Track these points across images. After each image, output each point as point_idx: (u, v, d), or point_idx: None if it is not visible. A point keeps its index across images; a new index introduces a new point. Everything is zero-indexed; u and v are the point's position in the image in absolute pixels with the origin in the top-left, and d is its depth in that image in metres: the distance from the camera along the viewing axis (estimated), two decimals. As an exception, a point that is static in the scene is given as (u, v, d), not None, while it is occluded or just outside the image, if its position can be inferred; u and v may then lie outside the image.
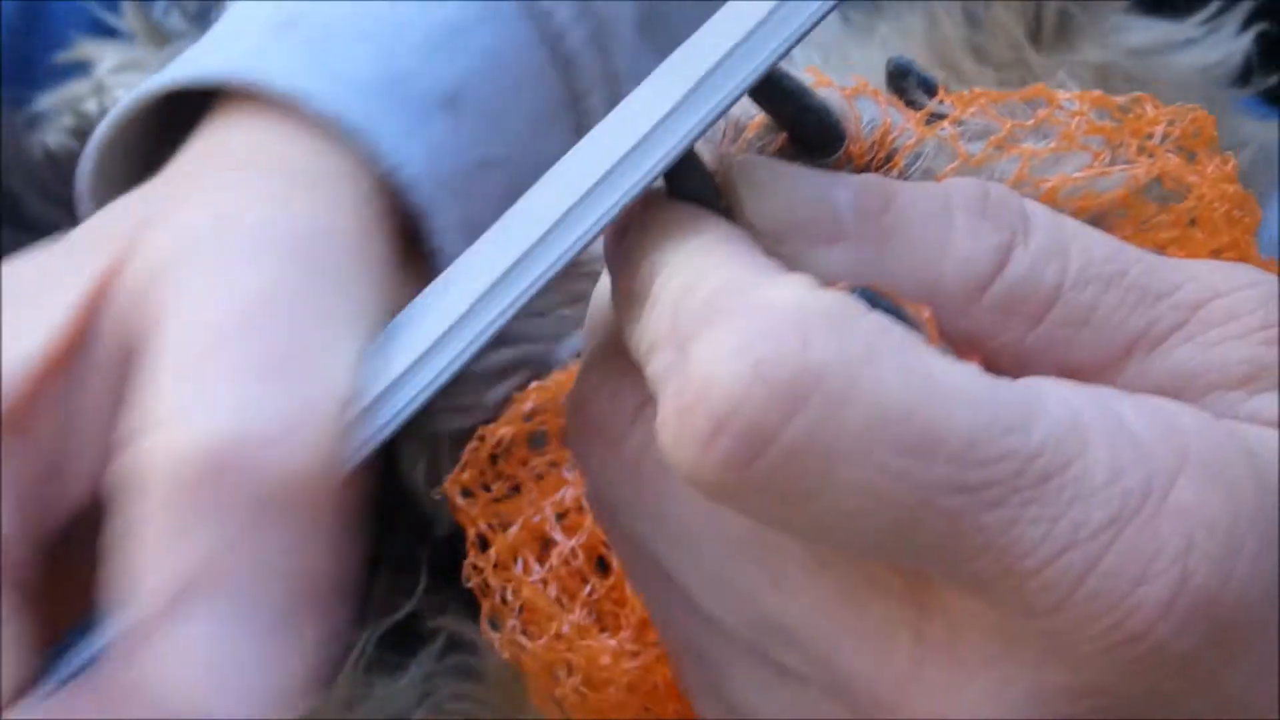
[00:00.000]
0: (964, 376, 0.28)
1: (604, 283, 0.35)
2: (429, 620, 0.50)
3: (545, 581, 0.40)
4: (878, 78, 0.54)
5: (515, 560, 0.40)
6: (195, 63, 0.49)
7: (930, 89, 0.35)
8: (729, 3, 0.32)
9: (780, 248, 0.31)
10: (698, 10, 0.59)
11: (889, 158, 0.34)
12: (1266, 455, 0.30)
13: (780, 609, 0.31)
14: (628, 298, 0.32)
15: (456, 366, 0.33)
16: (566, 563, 0.40)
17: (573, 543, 0.40)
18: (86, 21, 0.77)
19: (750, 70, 0.31)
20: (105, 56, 0.77)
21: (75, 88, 0.75)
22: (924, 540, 0.28)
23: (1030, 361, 0.32)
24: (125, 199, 0.44)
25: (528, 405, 0.41)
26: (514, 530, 0.40)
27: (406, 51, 0.50)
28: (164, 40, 0.75)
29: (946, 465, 0.28)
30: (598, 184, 0.32)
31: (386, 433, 0.33)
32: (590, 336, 0.35)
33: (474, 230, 0.49)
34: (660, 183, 0.32)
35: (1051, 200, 0.35)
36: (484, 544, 0.41)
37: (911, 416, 0.27)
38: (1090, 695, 0.29)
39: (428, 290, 0.35)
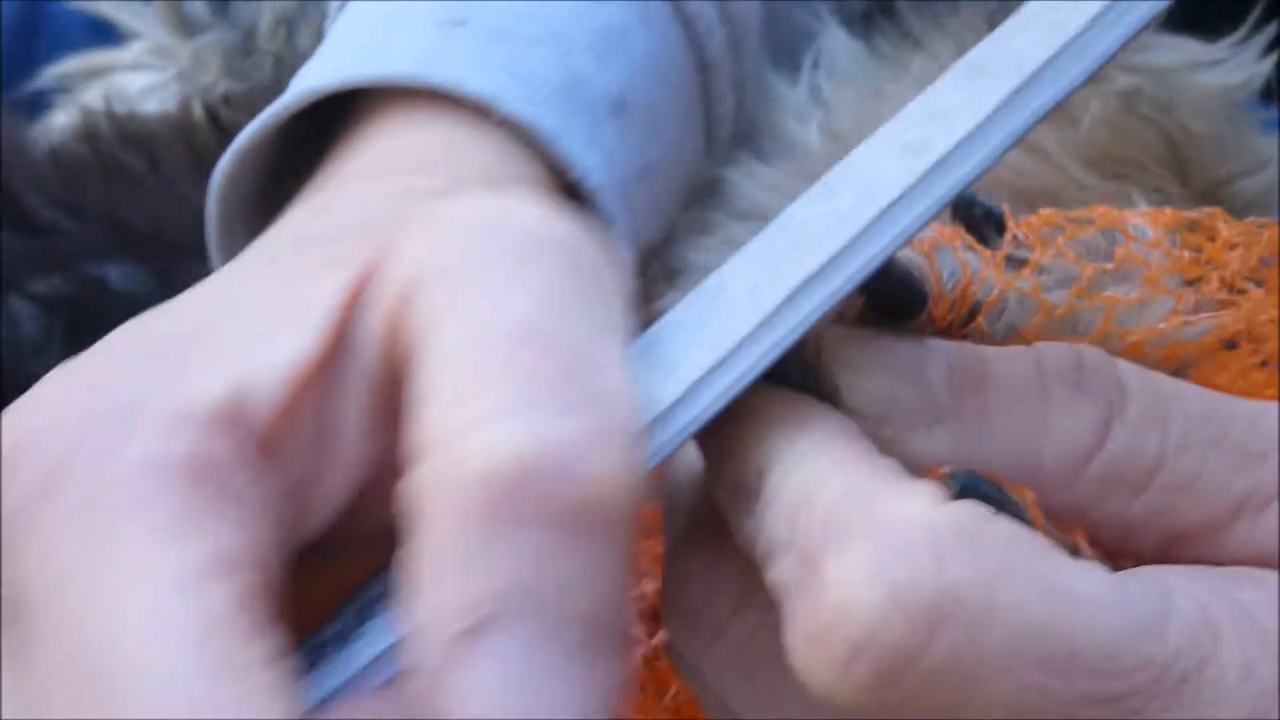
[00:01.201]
0: (1095, 583, 0.28)
1: (686, 460, 0.34)
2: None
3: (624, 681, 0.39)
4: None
5: None
6: (355, 63, 0.47)
7: (998, 222, 0.35)
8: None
9: (881, 430, 0.31)
10: (804, 12, 0.59)
11: (971, 315, 0.33)
12: None
13: None
14: (733, 488, 0.31)
15: (723, 400, 0.31)
16: (649, 662, 0.40)
17: (655, 641, 0.40)
18: (86, 21, 0.77)
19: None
20: (133, 44, 0.76)
21: (83, 89, 0.74)
22: None
23: (1135, 530, 0.31)
24: (323, 200, 0.42)
25: None
26: None
27: (580, 54, 0.49)
28: (191, 32, 0.74)
29: (1087, 679, 0.28)
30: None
31: (670, 449, 0.32)
32: (673, 513, 0.34)
33: (634, 240, 0.49)
34: None
35: (1138, 353, 0.35)
36: None
37: (1051, 633, 0.27)
38: None
39: (672, 314, 0.33)
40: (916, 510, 0.28)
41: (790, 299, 0.31)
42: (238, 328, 0.33)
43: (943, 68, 0.58)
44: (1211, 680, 0.28)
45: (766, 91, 0.60)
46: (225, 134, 0.66)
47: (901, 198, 0.31)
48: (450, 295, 0.32)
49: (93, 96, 0.72)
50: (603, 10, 0.50)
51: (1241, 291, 0.36)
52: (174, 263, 0.63)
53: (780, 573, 0.29)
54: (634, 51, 0.51)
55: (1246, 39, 0.62)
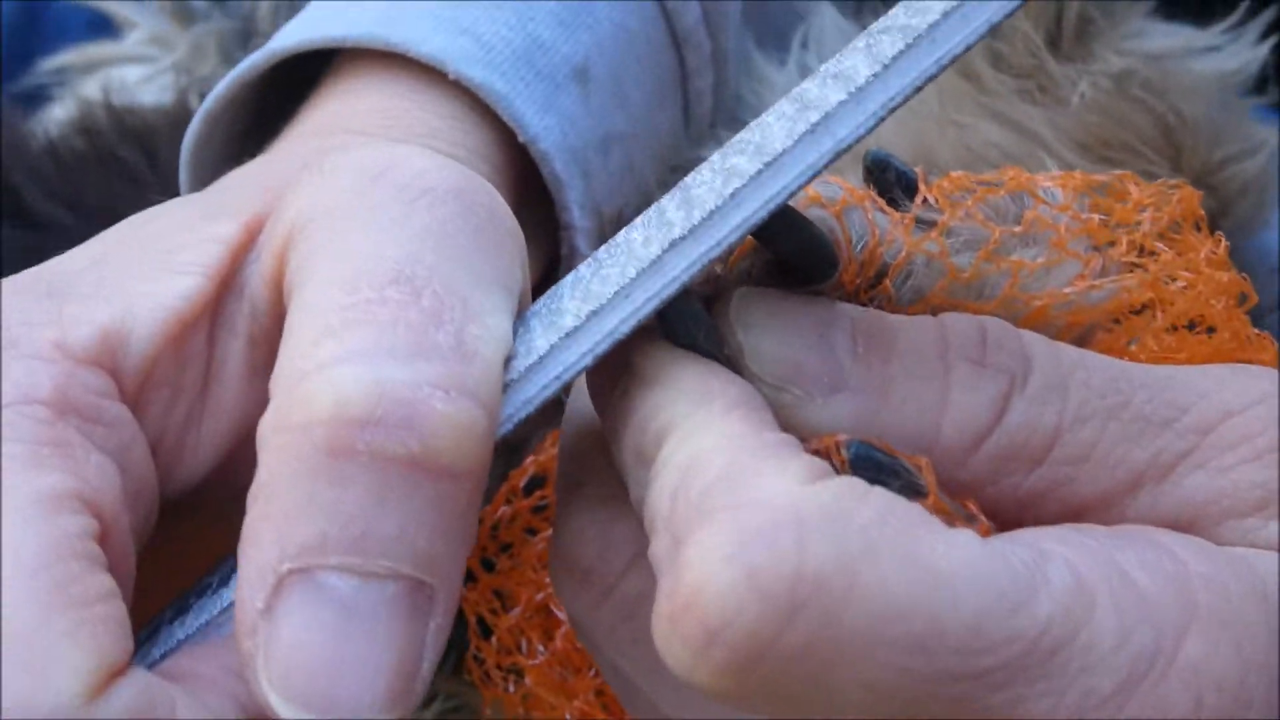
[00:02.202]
0: (966, 555, 0.28)
1: (576, 413, 0.35)
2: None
3: (549, 663, 0.40)
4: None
5: (519, 644, 0.40)
6: (320, 24, 0.48)
7: (910, 185, 0.35)
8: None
9: (780, 395, 0.32)
10: (810, 6, 0.59)
11: (878, 278, 0.34)
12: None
13: None
14: (633, 453, 0.32)
15: (614, 337, 0.32)
16: (570, 639, 0.40)
17: None
18: (85, 19, 0.78)
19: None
20: (131, 34, 0.77)
21: (81, 82, 0.75)
22: None
23: (1032, 504, 0.31)
24: (260, 159, 0.43)
25: (524, 480, 0.41)
26: (516, 612, 0.40)
27: (542, 19, 0.50)
28: (190, 20, 0.76)
29: (951, 657, 0.27)
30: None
31: (531, 408, 0.32)
32: (567, 471, 0.35)
33: (594, 207, 0.50)
34: (653, 322, 0.32)
35: (1043, 318, 0.35)
36: (484, 629, 0.40)
37: (913, 613, 0.27)
38: None
39: (576, 269, 0.34)
40: (784, 489, 0.28)
41: (673, 246, 0.31)
42: (127, 267, 0.34)
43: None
44: (1083, 648, 0.28)
45: (753, 72, 0.61)
46: None
47: (785, 153, 0.31)
48: (329, 236, 0.33)
49: (90, 89, 0.73)
50: None
51: (1151, 254, 0.36)
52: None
53: (655, 548, 0.30)
54: (600, 21, 0.51)
55: (1241, 24, 0.62)
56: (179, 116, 0.67)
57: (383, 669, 0.30)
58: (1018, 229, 0.35)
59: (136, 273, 0.34)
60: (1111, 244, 0.36)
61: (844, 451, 0.30)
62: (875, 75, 0.31)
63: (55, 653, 0.29)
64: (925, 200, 0.35)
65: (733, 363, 0.32)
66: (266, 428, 0.31)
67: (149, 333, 0.33)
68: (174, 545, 0.35)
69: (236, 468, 0.34)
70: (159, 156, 0.65)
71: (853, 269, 0.34)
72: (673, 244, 0.31)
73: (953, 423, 0.31)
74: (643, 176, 0.55)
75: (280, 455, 0.30)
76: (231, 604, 0.32)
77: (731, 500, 0.28)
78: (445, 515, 0.30)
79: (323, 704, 0.30)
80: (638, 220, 0.33)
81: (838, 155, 0.31)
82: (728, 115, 0.60)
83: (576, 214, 0.49)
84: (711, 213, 0.31)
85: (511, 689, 0.40)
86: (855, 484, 0.29)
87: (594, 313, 0.32)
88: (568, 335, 0.32)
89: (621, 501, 0.33)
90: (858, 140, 0.31)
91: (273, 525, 0.30)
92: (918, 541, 0.28)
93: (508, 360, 0.32)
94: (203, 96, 0.68)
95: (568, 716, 0.39)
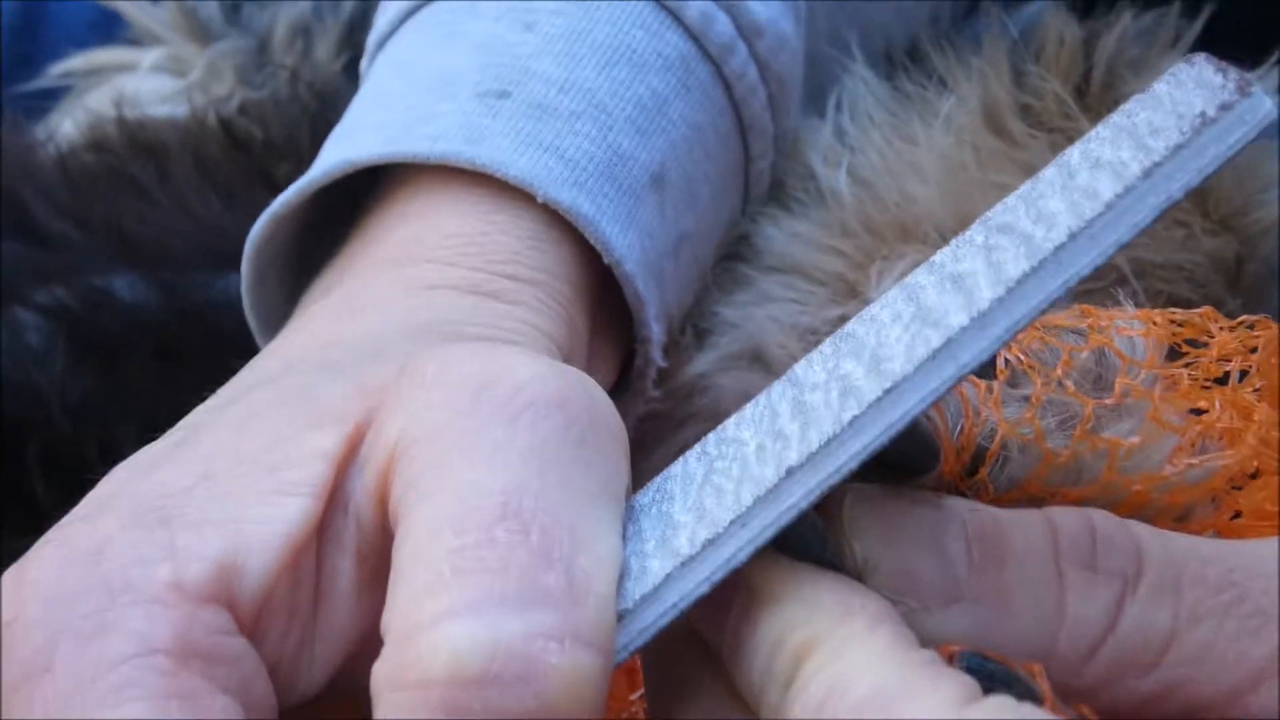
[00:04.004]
0: None
1: (674, 632, 0.34)
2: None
3: None
4: (939, 160, 0.54)
5: None
6: (397, 136, 0.47)
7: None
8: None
9: (897, 606, 0.32)
10: (843, 67, 0.58)
11: (974, 467, 0.34)
12: None
13: None
14: (759, 673, 0.32)
15: (719, 575, 0.32)
16: None
17: None
18: (87, 21, 0.77)
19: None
20: (144, 56, 0.76)
21: (93, 95, 0.74)
22: None
23: (1151, 704, 0.32)
24: (321, 322, 0.43)
25: None
26: None
27: (621, 128, 0.49)
28: (205, 38, 0.74)
29: None
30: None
31: (647, 637, 0.32)
32: (663, 690, 0.35)
33: (666, 315, 0.50)
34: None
35: (1143, 500, 0.35)
36: None
37: None
38: None
39: (679, 464, 0.34)
40: (939, 712, 0.28)
41: (790, 475, 0.31)
42: (236, 487, 0.34)
43: (969, 111, 0.58)
44: None
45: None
46: (237, 145, 0.66)
47: (906, 378, 0.31)
48: (434, 461, 0.33)
49: (100, 100, 0.72)
50: (643, 80, 0.50)
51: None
52: (179, 275, 0.63)
53: None
54: (673, 122, 0.51)
55: (1267, 74, 0.62)
56: (192, 133, 0.67)
57: None
58: (1109, 400, 0.34)
59: (246, 495, 0.34)
60: (1205, 406, 0.35)
61: (958, 663, 0.30)
62: (999, 299, 0.30)
63: None
64: (1007, 362, 0.34)
65: (852, 574, 0.32)
66: (381, 681, 0.31)
67: (264, 561, 0.33)
68: None
69: (350, 676, 0.34)
70: (170, 173, 0.64)
71: (951, 458, 0.34)
72: (789, 471, 0.31)
73: (1068, 634, 0.32)
74: (705, 268, 0.55)
75: (398, 711, 0.31)
76: None
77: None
78: None
79: None
80: (746, 412, 0.33)
81: (960, 380, 0.31)
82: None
83: (654, 329, 0.48)
84: (829, 440, 0.31)
85: None
86: (1006, 704, 0.29)
87: (710, 540, 0.32)
88: (684, 564, 0.32)
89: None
90: (979, 365, 0.30)
91: None
92: None
93: (620, 578, 0.32)
94: (219, 116, 0.67)
95: None
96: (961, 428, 0.33)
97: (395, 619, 0.31)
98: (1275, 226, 0.62)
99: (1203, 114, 0.31)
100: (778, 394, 0.33)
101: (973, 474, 0.34)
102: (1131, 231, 0.30)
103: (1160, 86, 0.32)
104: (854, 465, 0.31)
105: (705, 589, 0.32)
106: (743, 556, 0.31)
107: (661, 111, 0.50)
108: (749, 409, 0.33)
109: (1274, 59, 0.61)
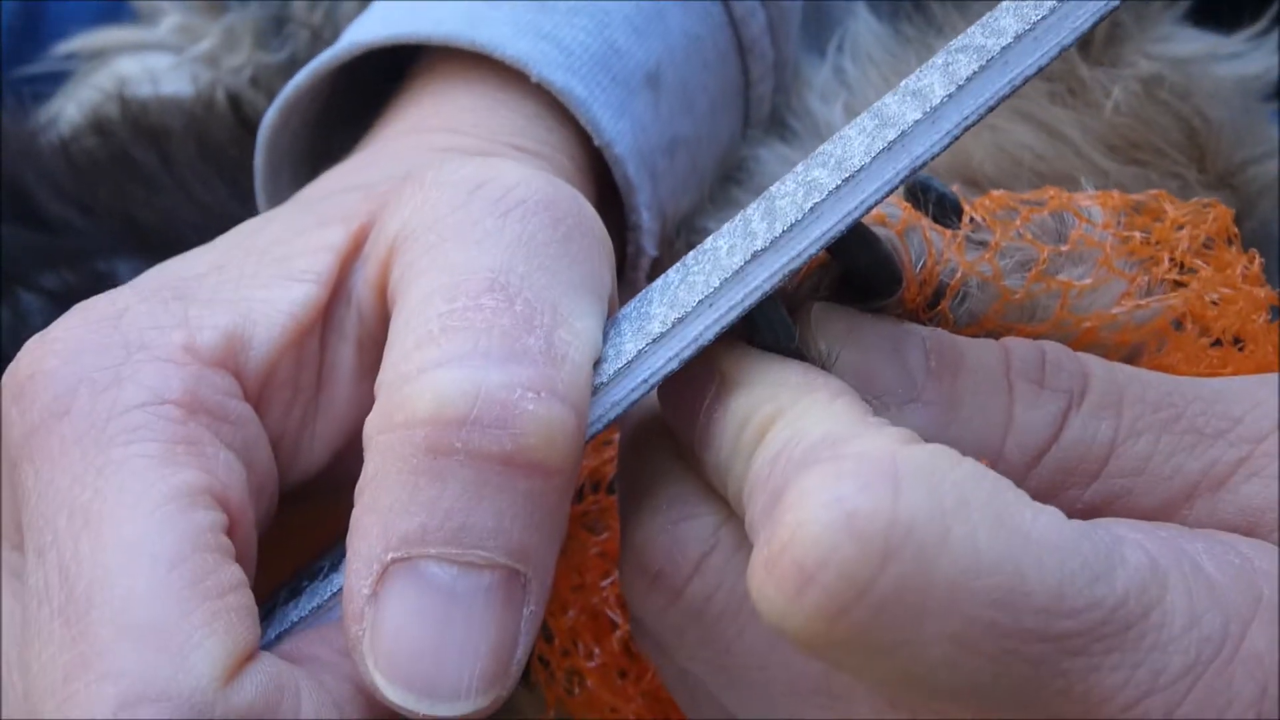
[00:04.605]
0: (1051, 523, 0.30)
1: (635, 421, 0.36)
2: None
3: (605, 666, 0.41)
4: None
5: (575, 644, 0.42)
6: (403, 21, 0.50)
7: (952, 206, 0.37)
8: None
9: None
10: (847, 10, 0.61)
11: (936, 300, 0.36)
12: None
13: None
14: (727, 449, 0.33)
15: (702, 341, 0.34)
16: (628, 648, 0.42)
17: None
18: (87, 21, 0.78)
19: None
20: (163, 20, 0.77)
21: (95, 78, 0.75)
22: (1005, 685, 0.29)
23: (1092, 515, 0.33)
24: (362, 156, 0.46)
25: (580, 486, 0.42)
26: (572, 615, 0.41)
27: (618, 26, 0.52)
28: (221, 11, 0.76)
29: (1034, 616, 0.29)
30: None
31: (620, 409, 0.34)
32: (633, 478, 0.36)
33: (659, 209, 0.52)
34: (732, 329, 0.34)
35: (1093, 338, 0.37)
36: (545, 633, 0.42)
37: (1001, 569, 0.29)
38: None
39: (661, 276, 0.36)
40: (883, 444, 0.30)
41: (755, 257, 0.33)
42: (247, 272, 0.37)
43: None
44: (1156, 625, 0.29)
45: (795, 71, 0.63)
46: (245, 125, 0.68)
47: (863, 168, 0.33)
48: (429, 249, 0.35)
49: (104, 82, 0.73)
50: None
51: (1191, 270, 0.38)
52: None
53: (752, 512, 0.31)
54: (671, 28, 0.53)
55: (1265, 33, 0.64)
56: (196, 115, 0.68)
57: (481, 653, 0.32)
58: (1065, 248, 0.37)
59: (255, 278, 0.37)
60: (1153, 261, 0.38)
61: None
62: (950, 95, 0.33)
63: (194, 641, 0.32)
64: (973, 220, 0.37)
65: (816, 365, 0.34)
66: (371, 427, 0.33)
67: (269, 336, 0.36)
68: (289, 530, 0.37)
69: (347, 461, 0.37)
70: (172, 157, 0.65)
71: (914, 288, 0.35)
72: (754, 255, 0.33)
73: (1015, 438, 0.33)
74: (704, 178, 0.57)
75: (384, 453, 0.33)
76: (341, 589, 0.34)
77: (832, 454, 0.30)
78: (538, 509, 0.33)
79: (424, 686, 0.32)
80: (724, 228, 0.35)
81: (913, 172, 0.33)
82: (772, 117, 0.63)
83: (645, 215, 0.51)
84: (792, 225, 0.33)
85: (576, 691, 0.41)
86: (950, 450, 0.30)
87: (680, 319, 0.34)
88: (655, 340, 0.34)
89: (690, 504, 0.34)
90: (932, 158, 0.33)
91: (378, 519, 0.33)
92: (1008, 504, 0.29)
93: (597, 363, 0.34)
94: (229, 91, 0.69)
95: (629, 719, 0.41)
96: (925, 263, 0.35)
97: (386, 373, 0.34)
98: (1274, 186, 0.64)
99: None
100: (752, 207, 0.35)
101: (934, 307, 0.36)
102: (1073, 34, 0.32)
103: None
104: (813, 250, 0.33)
105: (675, 365, 0.34)
106: (710, 335, 0.34)
107: (660, 17, 0.53)
108: (725, 225, 0.35)
109: (1269, 17, 0.63)
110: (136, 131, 0.67)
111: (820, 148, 0.34)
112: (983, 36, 0.33)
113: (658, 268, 0.53)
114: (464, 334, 0.33)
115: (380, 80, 0.52)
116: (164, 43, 0.76)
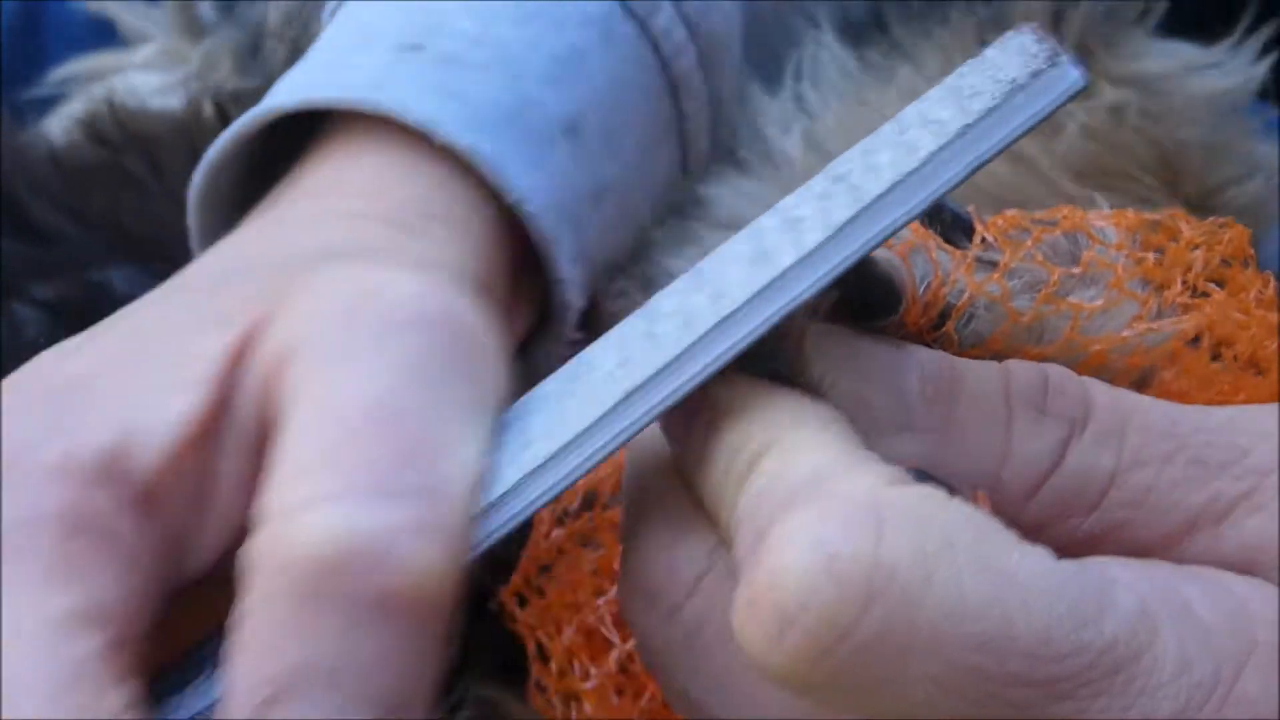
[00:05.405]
0: (1039, 567, 0.29)
1: (642, 443, 0.36)
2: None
3: (602, 686, 0.41)
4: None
5: (571, 664, 0.41)
6: (317, 84, 0.50)
7: (965, 225, 0.37)
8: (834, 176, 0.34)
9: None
10: (800, 19, 0.60)
11: (941, 320, 0.35)
12: None
13: None
14: (720, 476, 0.33)
15: (579, 474, 0.34)
16: (624, 668, 0.41)
17: (629, 645, 0.41)
18: (88, 21, 0.78)
19: (851, 253, 0.33)
20: (140, 50, 0.77)
21: (87, 89, 0.75)
22: None
23: (1091, 546, 0.33)
24: (246, 237, 0.45)
25: (575, 503, 0.42)
26: (570, 633, 0.41)
27: (532, 77, 0.52)
28: (199, 34, 0.76)
29: (1020, 661, 0.29)
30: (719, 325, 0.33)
31: (504, 531, 0.34)
32: (635, 498, 0.36)
33: (585, 258, 0.51)
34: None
35: (1102, 361, 0.36)
36: (542, 655, 0.42)
37: (986, 614, 0.28)
38: None
39: (545, 383, 0.36)
40: (866, 486, 0.30)
41: (639, 389, 0.33)
42: (129, 378, 0.36)
43: (928, 79, 0.59)
44: (1145, 671, 0.29)
45: (747, 101, 0.61)
46: None
47: (741, 309, 0.33)
48: (311, 369, 0.35)
49: (95, 90, 0.74)
50: (561, 35, 0.53)
51: (1204, 294, 0.37)
52: (177, 267, 0.64)
53: (739, 546, 0.31)
54: (593, 73, 0.53)
55: (1241, 41, 0.63)
56: (186, 125, 0.67)
57: None
58: (1076, 270, 0.36)
59: (138, 383, 0.36)
60: (1165, 284, 0.36)
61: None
62: (826, 240, 0.32)
63: None
64: (984, 240, 0.36)
65: (810, 393, 0.33)
66: (250, 558, 0.33)
67: (154, 449, 0.35)
68: (185, 610, 0.37)
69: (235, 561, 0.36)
70: (163, 166, 0.65)
71: (916, 309, 0.35)
72: (630, 392, 0.33)
73: (1013, 468, 0.33)
74: (638, 220, 0.57)
75: (259, 590, 0.33)
76: (217, 701, 0.34)
77: (816, 494, 0.30)
78: (411, 649, 0.33)
79: None
80: (610, 335, 0.35)
81: (787, 314, 0.33)
82: (724, 149, 0.61)
83: (566, 268, 0.50)
84: (676, 358, 0.33)
85: (574, 716, 0.41)
86: (937, 492, 0.30)
87: (553, 455, 0.34)
88: (531, 474, 0.34)
89: (688, 525, 0.34)
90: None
91: (253, 655, 0.32)
92: (994, 547, 0.29)
93: (482, 486, 0.34)
94: (216, 103, 0.68)
95: None
96: (930, 283, 0.34)
97: (266, 503, 0.33)
98: (1254, 206, 0.63)
99: (1014, 80, 0.33)
100: (629, 324, 0.34)
101: (939, 328, 0.35)
102: (946, 186, 0.32)
103: (990, 51, 0.34)
104: (696, 383, 0.33)
105: (553, 496, 0.34)
106: (591, 465, 0.33)
107: (579, 64, 0.52)
108: (606, 336, 0.35)
109: (1241, 30, 0.62)
110: (127, 139, 0.67)
111: (700, 263, 0.34)
112: (860, 172, 0.33)
113: (589, 316, 0.53)
114: (339, 470, 0.33)
115: (305, 134, 0.52)
116: (150, 63, 0.77)
